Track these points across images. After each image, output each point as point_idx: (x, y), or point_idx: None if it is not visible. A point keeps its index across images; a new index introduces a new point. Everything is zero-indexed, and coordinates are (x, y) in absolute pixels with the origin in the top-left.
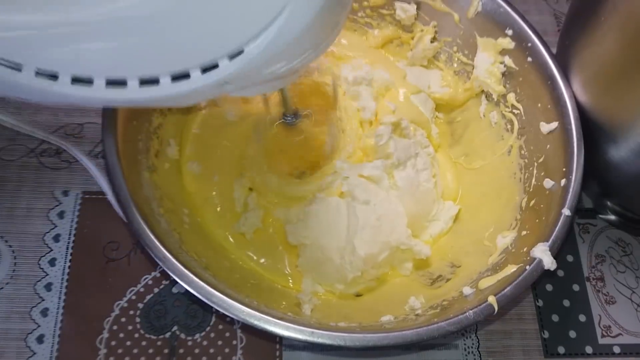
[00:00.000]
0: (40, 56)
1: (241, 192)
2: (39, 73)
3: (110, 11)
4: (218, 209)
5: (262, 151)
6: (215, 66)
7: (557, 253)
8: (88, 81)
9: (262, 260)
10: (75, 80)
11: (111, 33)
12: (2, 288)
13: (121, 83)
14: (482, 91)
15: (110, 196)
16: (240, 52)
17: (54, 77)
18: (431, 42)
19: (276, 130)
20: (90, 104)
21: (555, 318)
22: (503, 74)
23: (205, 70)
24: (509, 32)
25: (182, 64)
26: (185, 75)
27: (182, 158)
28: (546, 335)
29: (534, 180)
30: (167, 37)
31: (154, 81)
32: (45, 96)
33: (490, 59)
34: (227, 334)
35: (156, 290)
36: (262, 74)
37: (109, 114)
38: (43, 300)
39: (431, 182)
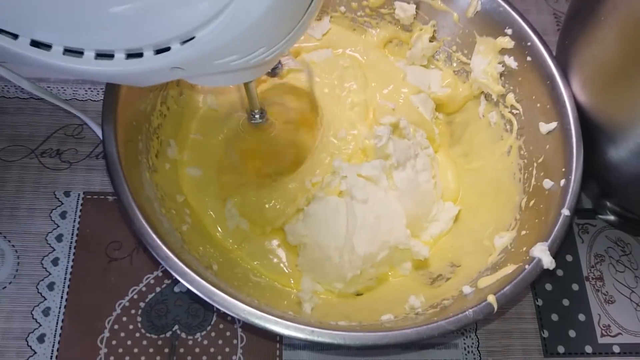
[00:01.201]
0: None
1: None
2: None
3: None
4: (212, 214)
5: (235, 153)
6: (167, 49)
7: (557, 253)
8: (47, 46)
9: (259, 262)
10: (35, 43)
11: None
12: (5, 287)
13: (78, 52)
14: (482, 92)
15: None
16: (191, 38)
17: (15, 36)
18: (430, 41)
19: (244, 129)
20: (48, 69)
21: (554, 317)
22: (501, 74)
23: (158, 51)
24: (509, 31)
25: (137, 42)
26: (139, 54)
27: (179, 163)
28: (546, 334)
29: (533, 180)
30: (124, 12)
31: (109, 55)
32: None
33: (486, 60)
34: (228, 333)
35: (158, 289)
36: (214, 64)
37: (108, 115)
38: (45, 299)
39: (431, 183)
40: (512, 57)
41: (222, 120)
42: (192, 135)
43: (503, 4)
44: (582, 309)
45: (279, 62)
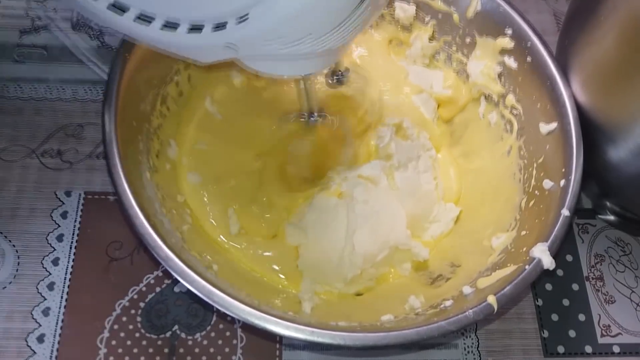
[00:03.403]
0: None
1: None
2: None
3: None
4: (211, 220)
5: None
6: (224, 26)
7: (557, 253)
8: (122, 9)
9: (259, 263)
10: (113, 5)
11: None
12: (5, 287)
13: (148, 20)
14: (482, 93)
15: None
16: (245, 16)
17: None
18: (429, 41)
19: (293, 128)
20: (120, 30)
21: (554, 317)
22: (501, 75)
23: (216, 27)
24: (509, 31)
25: (200, 16)
26: (199, 28)
27: (179, 168)
28: (546, 334)
29: (533, 180)
30: None
31: (174, 26)
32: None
33: (482, 63)
34: (228, 333)
35: (158, 289)
36: (264, 47)
37: (108, 114)
38: (45, 299)
39: (432, 184)
40: (512, 58)
41: (220, 123)
42: (196, 145)
43: (503, 4)
44: (582, 309)
45: (342, 71)
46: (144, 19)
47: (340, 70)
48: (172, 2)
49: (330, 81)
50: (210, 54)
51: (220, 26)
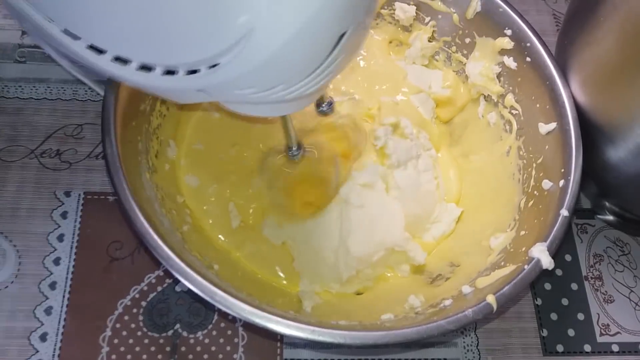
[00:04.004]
0: (67, 17)
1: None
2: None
3: None
4: (210, 221)
5: (278, 190)
6: (197, 71)
7: (555, 253)
8: (100, 51)
9: (259, 263)
10: (90, 47)
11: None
12: (6, 287)
13: (125, 61)
14: (481, 94)
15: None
16: (216, 64)
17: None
18: (429, 41)
19: (280, 162)
20: (96, 71)
21: (554, 317)
22: (500, 75)
23: (189, 72)
24: (508, 32)
25: (173, 62)
26: (174, 72)
27: (178, 169)
28: (545, 333)
29: (532, 181)
30: (168, 31)
31: (149, 68)
32: (67, 49)
33: (481, 63)
34: (229, 332)
35: (159, 288)
36: (234, 93)
37: (107, 115)
38: (47, 298)
39: (433, 184)
40: (511, 58)
41: (220, 126)
42: (194, 145)
43: (503, 4)
44: (581, 308)
45: (326, 103)
46: (122, 60)
47: (323, 102)
48: (146, 48)
49: (317, 111)
50: (185, 96)
51: (193, 72)
